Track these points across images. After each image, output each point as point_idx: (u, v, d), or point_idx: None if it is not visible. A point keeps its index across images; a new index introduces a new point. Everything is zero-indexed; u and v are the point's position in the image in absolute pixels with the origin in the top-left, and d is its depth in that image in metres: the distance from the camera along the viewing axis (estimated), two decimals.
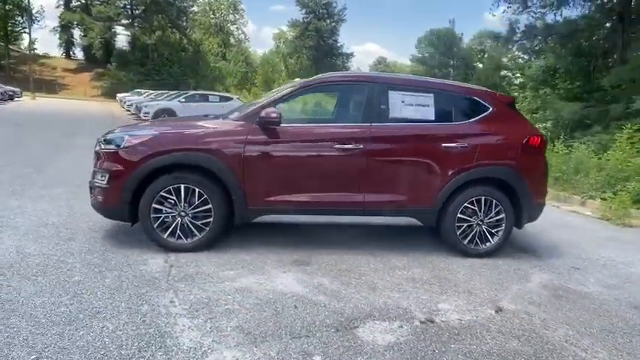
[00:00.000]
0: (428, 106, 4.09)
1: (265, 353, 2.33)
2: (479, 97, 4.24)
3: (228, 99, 19.07)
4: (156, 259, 3.52)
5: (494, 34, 22.71)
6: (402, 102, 4.04)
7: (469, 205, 4.03)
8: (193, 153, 3.71)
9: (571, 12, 18.21)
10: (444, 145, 4.00)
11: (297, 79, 5.42)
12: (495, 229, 4.10)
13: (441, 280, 3.50)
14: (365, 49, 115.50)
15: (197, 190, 3.67)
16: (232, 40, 60.68)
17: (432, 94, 4.12)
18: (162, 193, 3.64)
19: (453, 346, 2.52)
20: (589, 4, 15.13)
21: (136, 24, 47.51)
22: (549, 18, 16.13)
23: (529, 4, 16.27)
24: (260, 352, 2.32)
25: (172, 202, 3.69)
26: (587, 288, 3.58)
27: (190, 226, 3.73)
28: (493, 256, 4.08)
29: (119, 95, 32.91)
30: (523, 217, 4.15)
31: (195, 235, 3.73)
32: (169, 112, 17.35)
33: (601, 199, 6.62)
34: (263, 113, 3.69)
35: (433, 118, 4.08)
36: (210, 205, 3.70)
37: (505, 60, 27.89)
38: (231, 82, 49.89)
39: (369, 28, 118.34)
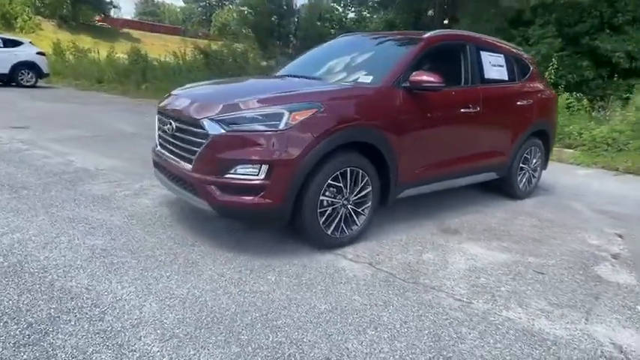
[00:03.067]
0: (502, 66, 4.35)
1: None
2: (525, 58, 4.75)
3: (18, 43, 14.27)
4: (343, 260, 2.93)
5: None
6: (489, 62, 4.18)
7: (527, 155, 4.66)
8: (366, 128, 3.08)
9: None
10: (518, 102, 4.40)
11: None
12: (536, 173, 4.88)
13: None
14: None
15: (360, 172, 3.11)
16: None
17: (502, 55, 4.38)
18: (330, 181, 2.94)
19: None
20: None
21: None
22: None
23: None
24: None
25: (336, 190, 3.04)
26: None
27: (353, 215, 3.17)
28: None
29: None
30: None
31: (355, 225, 3.21)
32: None
33: None
34: (416, 78, 3.28)
35: (507, 78, 4.38)
36: (370, 188, 3.20)
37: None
38: None
39: None
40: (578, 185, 5.64)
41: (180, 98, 3.22)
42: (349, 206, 3.14)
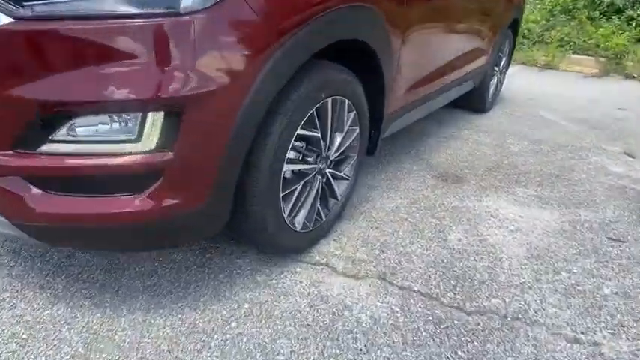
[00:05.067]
0: None
1: None
2: None
3: None
4: (332, 276, 1.50)
5: None
6: None
7: (500, 54, 3.53)
8: (363, 10, 1.46)
9: None
10: None
11: None
12: (502, 77, 3.83)
13: None
14: None
15: (346, 102, 1.58)
16: None
17: None
18: (300, 132, 1.38)
19: None
20: None
21: None
22: None
23: None
24: None
25: (306, 147, 1.50)
26: None
27: (332, 183, 1.69)
28: None
29: None
30: None
31: (334, 199, 1.76)
32: None
33: None
34: None
35: None
36: (357, 129, 1.72)
37: None
38: None
39: None
40: (518, 88, 4.79)
41: None
42: (327, 171, 1.64)
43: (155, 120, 0.97)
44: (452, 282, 1.57)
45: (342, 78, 1.49)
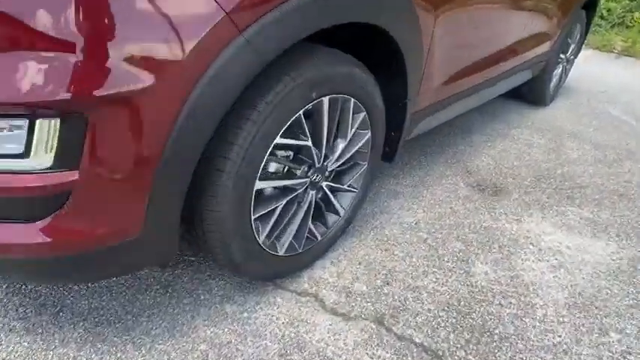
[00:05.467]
0: None
1: None
2: None
3: None
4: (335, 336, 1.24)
5: None
6: None
7: (569, 39, 2.99)
8: None
9: None
10: None
11: None
12: (569, 65, 3.28)
13: None
14: None
15: (351, 102, 1.25)
16: None
17: None
18: (282, 141, 1.08)
19: None
20: None
21: None
22: None
23: None
24: None
25: (293, 154, 1.21)
26: None
27: (331, 197, 1.40)
28: None
29: None
30: None
31: (334, 216, 1.46)
32: None
33: None
34: None
35: None
36: (368, 133, 1.40)
37: None
38: None
39: None
40: (587, 78, 4.17)
41: None
42: (324, 184, 1.35)
43: (48, 129, 0.72)
44: (466, 335, 1.26)
45: (344, 72, 1.17)
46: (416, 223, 1.73)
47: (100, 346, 1.13)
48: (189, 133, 0.86)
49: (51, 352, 1.10)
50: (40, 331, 1.16)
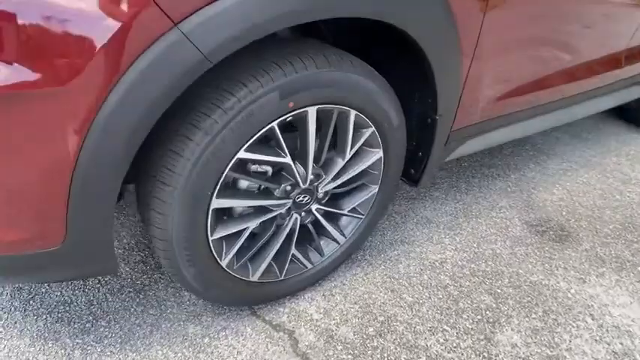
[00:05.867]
0: None
1: None
2: None
3: None
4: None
5: None
6: None
7: None
8: None
9: None
10: None
11: None
12: None
13: None
14: None
15: (351, 115, 1.03)
16: None
17: None
18: (246, 155, 0.91)
19: None
20: None
21: None
22: None
23: None
24: None
25: (269, 173, 1.03)
26: None
27: (326, 224, 1.20)
28: None
29: None
30: None
31: (332, 243, 1.26)
32: None
33: None
34: None
35: None
36: (379, 153, 1.16)
37: None
38: None
39: None
40: None
41: None
42: (315, 207, 1.15)
43: None
44: None
45: (338, 78, 0.95)
46: (440, 263, 1.45)
47: (50, 345, 1.07)
48: (109, 137, 0.73)
49: (5, 342, 1.07)
50: (5, 316, 1.13)
